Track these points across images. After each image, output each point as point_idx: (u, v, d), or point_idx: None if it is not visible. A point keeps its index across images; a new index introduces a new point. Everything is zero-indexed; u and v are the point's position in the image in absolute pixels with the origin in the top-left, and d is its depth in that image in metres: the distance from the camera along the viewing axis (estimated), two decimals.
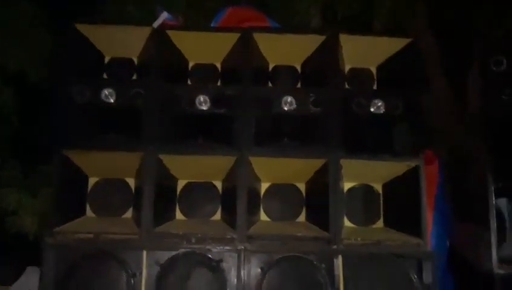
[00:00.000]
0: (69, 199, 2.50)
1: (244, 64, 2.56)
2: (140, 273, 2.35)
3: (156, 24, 2.73)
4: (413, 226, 2.44)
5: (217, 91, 2.55)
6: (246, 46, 2.59)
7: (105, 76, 2.73)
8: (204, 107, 2.49)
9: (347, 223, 2.60)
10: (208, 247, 2.39)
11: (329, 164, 2.47)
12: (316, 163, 2.51)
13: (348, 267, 2.40)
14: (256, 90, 2.55)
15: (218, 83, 2.75)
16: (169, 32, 2.62)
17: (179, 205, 2.63)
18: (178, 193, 2.65)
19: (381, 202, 2.66)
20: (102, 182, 2.63)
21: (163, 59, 2.58)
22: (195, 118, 2.52)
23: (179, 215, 2.63)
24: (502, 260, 2.46)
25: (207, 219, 2.62)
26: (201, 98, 2.48)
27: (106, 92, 2.48)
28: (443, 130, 3.11)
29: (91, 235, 2.41)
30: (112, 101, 2.48)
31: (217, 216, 2.63)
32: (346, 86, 2.72)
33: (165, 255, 2.38)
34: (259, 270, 2.38)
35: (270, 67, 2.78)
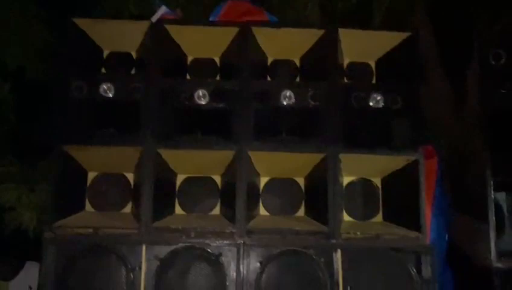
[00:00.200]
0: (68, 194, 2.50)
1: (243, 59, 2.56)
2: (140, 267, 2.36)
3: (154, 18, 2.73)
4: (412, 220, 2.45)
5: (215, 85, 2.55)
6: (244, 41, 2.58)
7: (103, 70, 2.72)
8: (203, 102, 2.48)
9: (346, 217, 2.61)
10: (207, 241, 2.39)
11: (328, 158, 2.47)
12: (315, 157, 2.52)
13: (347, 262, 2.40)
14: (255, 84, 2.55)
15: (217, 78, 2.75)
16: (168, 27, 2.61)
17: (178, 200, 2.64)
18: (177, 187, 2.65)
19: (380, 196, 2.67)
20: (102, 177, 2.63)
21: (162, 53, 2.57)
22: (194, 113, 2.51)
23: (178, 209, 2.63)
24: (500, 254, 2.46)
25: (206, 214, 2.62)
26: (200, 92, 2.48)
27: (105, 87, 2.47)
28: (442, 124, 3.11)
29: (90, 230, 2.41)
30: (110, 95, 2.48)
31: (216, 211, 2.63)
32: (345, 80, 2.71)
33: (164, 250, 2.38)
34: (258, 264, 2.38)
35: (269, 61, 2.78)
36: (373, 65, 2.79)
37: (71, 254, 2.37)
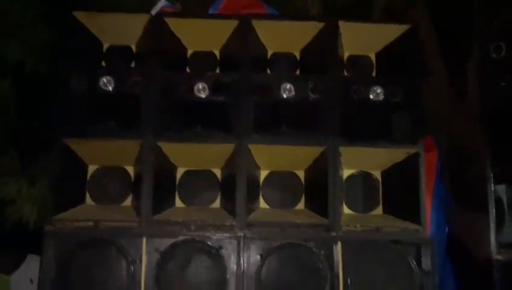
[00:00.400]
0: (68, 187, 2.50)
1: (243, 52, 2.55)
2: (140, 260, 2.36)
3: (154, 11, 2.72)
4: (412, 213, 2.45)
5: (215, 78, 2.54)
6: (244, 33, 2.58)
7: (103, 64, 2.72)
8: (203, 95, 2.48)
9: (346, 210, 2.61)
10: (207, 234, 2.40)
11: (328, 151, 2.47)
12: (315, 150, 2.51)
13: (347, 254, 2.40)
14: (255, 77, 2.55)
15: (217, 71, 2.74)
16: (168, 20, 2.60)
17: (178, 193, 2.64)
18: (177, 180, 2.65)
19: (380, 189, 2.66)
20: (102, 170, 2.63)
21: (162, 46, 2.56)
22: (194, 106, 2.51)
23: (178, 203, 2.63)
24: (500, 246, 2.46)
25: (206, 207, 2.62)
26: (200, 85, 2.48)
27: (104, 80, 2.47)
28: (442, 117, 3.10)
29: (91, 223, 2.41)
30: (110, 89, 2.47)
31: (216, 204, 2.63)
32: (345, 73, 2.71)
33: (164, 243, 2.38)
34: (258, 257, 2.39)
35: (269, 54, 2.77)
36: (373, 58, 2.78)
37: (71, 247, 2.38)
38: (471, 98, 2.83)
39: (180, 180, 2.65)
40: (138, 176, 2.51)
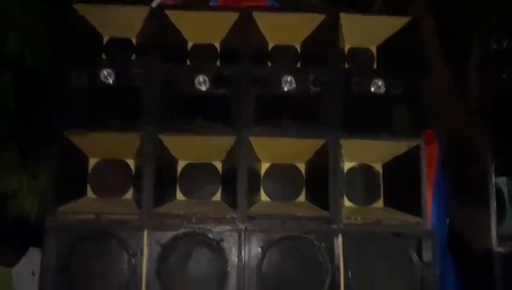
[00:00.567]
0: (69, 180, 2.50)
1: (244, 44, 2.55)
2: (141, 253, 2.36)
3: (154, 4, 2.71)
4: (413, 206, 2.45)
5: (216, 71, 2.55)
6: (245, 26, 2.57)
7: (104, 56, 2.71)
8: (204, 88, 2.48)
9: (347, 202, 2.60)
10: (208, 227, 2.40)
11: (329, 144, 2.46)
12: (316, 143, 2.51)
13: (348, 247, 2.40)
14: (256, 70, 2.54)
15: (218, 63, 2.74)
16: (168, 12, 2.59)
17: (179, 186, 2.63)
18: (178, 173, 2.65)
19: (381, 181, 2.66)
20: (103, 163, 2.62)
21: (162, 39, 2.56)
22: (195, 98, 2.51)
23: (179, 195, 2.63)
24: (501, 239, 2.46)
25: (207, 199, 2.62)
26: (201, 78, 2.47)
27: (105, 73, 2.47)
28: (443, 109, 3.10)
29: (92, 216, 2.41)
30: (110, 81, 2.47)
31: (217, 196, 2.63)
32: (346, 66, 2.70)
33: (165, 235, 2.38)
34: (259, 249, 2.39)
35: (270, 46, 2.76)
36: (374, 50, 2.77)
37: (73, 239, 2.37)
38: (472, 91, 2.83)
39: (181, 173, 2.65)
40: (139, 168, 2.51)
